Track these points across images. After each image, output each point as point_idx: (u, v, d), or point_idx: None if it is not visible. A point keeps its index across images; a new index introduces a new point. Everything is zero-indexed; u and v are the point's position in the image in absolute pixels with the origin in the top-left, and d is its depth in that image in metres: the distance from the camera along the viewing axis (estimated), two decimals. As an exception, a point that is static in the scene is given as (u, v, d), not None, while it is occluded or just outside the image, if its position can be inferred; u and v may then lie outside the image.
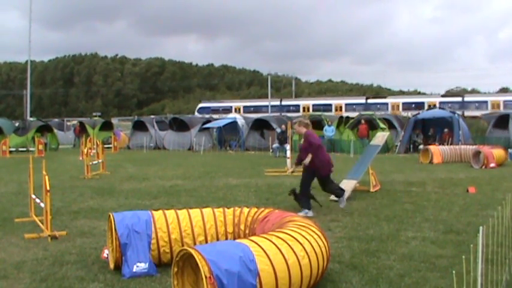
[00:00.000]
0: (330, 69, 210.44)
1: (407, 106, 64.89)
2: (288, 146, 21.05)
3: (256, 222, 7.09)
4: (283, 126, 29.13)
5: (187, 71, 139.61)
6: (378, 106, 65.19)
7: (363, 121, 32.04)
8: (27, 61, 63.78)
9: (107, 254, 7.11)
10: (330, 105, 68.78)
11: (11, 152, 31.53)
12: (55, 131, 38.42)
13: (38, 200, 9.71)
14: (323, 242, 6.09)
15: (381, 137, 15.27)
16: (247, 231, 7.14)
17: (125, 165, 23.31)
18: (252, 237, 5.72)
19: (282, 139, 27.74)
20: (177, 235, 6.90)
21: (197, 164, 23.77)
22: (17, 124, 39.76)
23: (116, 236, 6.64)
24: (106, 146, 28.98)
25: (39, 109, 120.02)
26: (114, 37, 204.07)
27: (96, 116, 73.23)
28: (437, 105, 50.20)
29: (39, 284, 6.28)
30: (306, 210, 10.67)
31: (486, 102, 62.04)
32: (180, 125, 38.07)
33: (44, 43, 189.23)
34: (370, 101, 68.89)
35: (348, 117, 35.71)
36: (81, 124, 42.41)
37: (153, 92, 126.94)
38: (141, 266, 6.51)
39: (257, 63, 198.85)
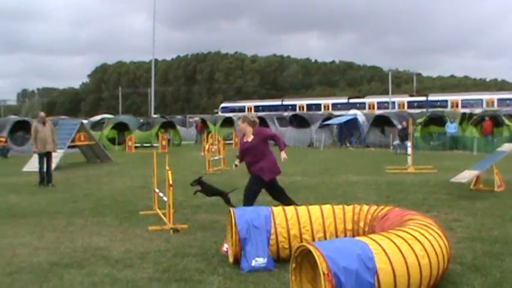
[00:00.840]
0: (452, 64, 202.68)
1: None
2: (409, 143, 20.42)
3: (375, 220, 6.90)
4: (404, 123, 28.35)
5: (308, 68, 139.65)
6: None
7: (487, 118, 30.52)
8: (151, 60, 66.48)
9: (227, 248, 7.18)
10: (446, 101, 66.80)
11: (136, 147, 33.02)
12: (178, 127, 39.73)
13: (161, 194, 10.04)
14: (444, 242, 5.83)
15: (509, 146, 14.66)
16: (366, 229, 6.97)
17: (245, 161, 23.57)
18: (371, 235, 5.57)
19: (403, 136, 27.01)
20: (296, 231, 6.85)
21: (317, 161, 23.68)
22: (141, 120, 41.50)
23: (236, 231, 6.69)
24: (227, 142, 29.55)
25: (163, 106, 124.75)
26: (236, 35, 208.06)
27: (217, 113, 74.99)
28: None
29: (162, 274, 6.46)
30: None
31: None
32: (300, 122, 38.10)
33: (167, 43, 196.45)
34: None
35: (471, 114, 34.17)
36: (203, 121, 43.54)
37: (273, 88, 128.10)
38: (259, 261, 6.52)
39: (377, 59, 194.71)
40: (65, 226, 9.53)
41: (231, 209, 7.06)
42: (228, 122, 42.35)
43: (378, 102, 69.28)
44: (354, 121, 35.85)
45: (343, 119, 36.32)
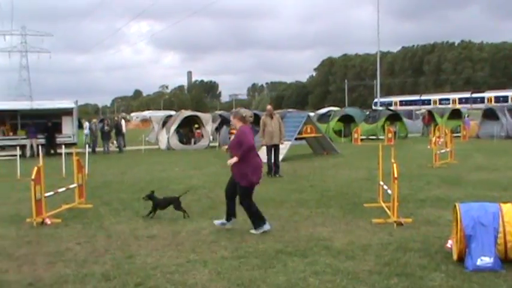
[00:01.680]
0: None
1: None
2: None
3: None
4: None
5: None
6: None
7: None
8: (377, 52, 66.09)
9: (451, 245, 6.92)
10: None
11: (361, 139, 33.11)
12: (404, 119, 39.00)
13: (385, 187, 9.97)
14: None
15: None
16: None
17: (474, 154, 22.45)
18: None
19: None
20: (527, 231, 6.35)
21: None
22: (367, 113, 41.46)
23: (461, 227, 6.41)
24: (455, 134, 28.33)
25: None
26: (463, 24, 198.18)
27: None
28: None
29: (383, 268, 6.43)
30: (261, 227, 8.67)
31: None
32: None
33: (393, 34, 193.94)
34: None
35: None
36: (430, 113, 42.21)
37: (505, 77, 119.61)
38: (485, 260, 6.18)
39: None
40: (291, 215, 9.92)
41: (457, 204, 6.77)
42: (456, 114, 40.54)
43: None
44: None
45: None
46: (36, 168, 9.76)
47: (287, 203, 11.32)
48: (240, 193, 8.75)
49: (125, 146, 31.47)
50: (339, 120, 36.67)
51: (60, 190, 11.35)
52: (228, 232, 8.66)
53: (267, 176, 15.86)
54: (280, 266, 6.66)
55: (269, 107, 17.23)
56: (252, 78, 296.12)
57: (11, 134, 29.91)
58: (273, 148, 16.35)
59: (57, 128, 29.50)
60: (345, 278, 6.12)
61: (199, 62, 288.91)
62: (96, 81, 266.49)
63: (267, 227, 8.59)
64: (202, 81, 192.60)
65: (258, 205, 8.81)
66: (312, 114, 33.32)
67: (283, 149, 18.48)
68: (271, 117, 16.43)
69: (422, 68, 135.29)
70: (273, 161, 16.35)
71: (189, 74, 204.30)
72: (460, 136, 33.09)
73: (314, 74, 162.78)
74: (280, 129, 16.53)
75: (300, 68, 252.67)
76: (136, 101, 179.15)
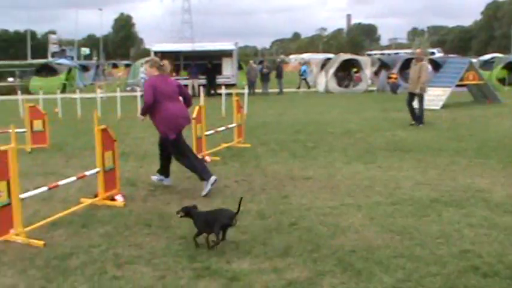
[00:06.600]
0: None
1: None
2: None
3: None
4: None
5: None
6: None
7: None
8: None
9: None
10: None
11: (529, 88, 30.99)
12: None
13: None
14: None
15: None
16: None
17: None
18: None
19: None
20: None
21: None
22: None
23: None
24: None
25: None
26: None
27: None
28: None
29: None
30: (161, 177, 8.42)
31: None
32: None
33: None
34: None
35: None
36: None
37: None
38: None
39: None
40: (448, 164, 9.66)
41: None
42: None
43: None
44: None
45: None
46: (197, 107, 10.30)
47: (445, 151, 11.00)
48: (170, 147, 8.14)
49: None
50: (503, 67, 34.44)
51: (219, 129, 11.88)
52: (382, 177, 8.65)
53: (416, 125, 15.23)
54: (434, 215, 6.57)
55: (418, 50, 16.46)
56: (413, 22, 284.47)
57: (173, 74, 31.50)
58: (413, 95, 15.61)
59: (218, 69, 30.62)
60: (501, 232, 5.90)
61: (363, 5, 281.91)
62: (257, 23, 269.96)
63: (213, 179, 7.80)
64: (360, 24, 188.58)
65: (415, 152, 8.66)
66: (474, 60, 31.65)
67: (442, 95, 17.79)
68: (417, 63, 15.62)
69: None
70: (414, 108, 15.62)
71: (348, 16, 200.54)
72: None
73: (479, 18, 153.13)
74: (420, 76, 15.27)
75: (464, 11, 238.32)
76: (295, 43, 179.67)
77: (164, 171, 8.50)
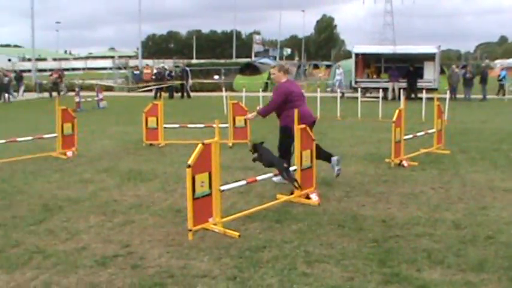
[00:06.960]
0: None
1: None
2: None
3: None
4: None
5: None
6: None
7: None
8: None
9: None
10: None
11: None
12: None
13: None
14: None
15: None
16: None
17: None
18: None
19: None
20: None
21: None
22: None
23: None
24: None
25: None
26: None
27: None
28: None
29: None
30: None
31: None
32: None
33: None
34: None
35: None
36: None
37: None
38: None
39: None
40: None
41: None
42: None
43: None
44: None
45: None
46: (397, 111, 10.05)
47: None
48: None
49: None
50: None
51: (418, 134, 11.55)
52: None
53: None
54: None
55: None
56: None
57: (374, 76, 31.30)
58: None
59: (419, 73, 29.80)
60: None
61: None
62: (462, 25, 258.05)
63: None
64: None
65: None
66: None
67: None
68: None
69: None
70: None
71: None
72: None
73: None
74: None
75: None
76: (501, 47, 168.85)
77: (326, 155, 8.63)
